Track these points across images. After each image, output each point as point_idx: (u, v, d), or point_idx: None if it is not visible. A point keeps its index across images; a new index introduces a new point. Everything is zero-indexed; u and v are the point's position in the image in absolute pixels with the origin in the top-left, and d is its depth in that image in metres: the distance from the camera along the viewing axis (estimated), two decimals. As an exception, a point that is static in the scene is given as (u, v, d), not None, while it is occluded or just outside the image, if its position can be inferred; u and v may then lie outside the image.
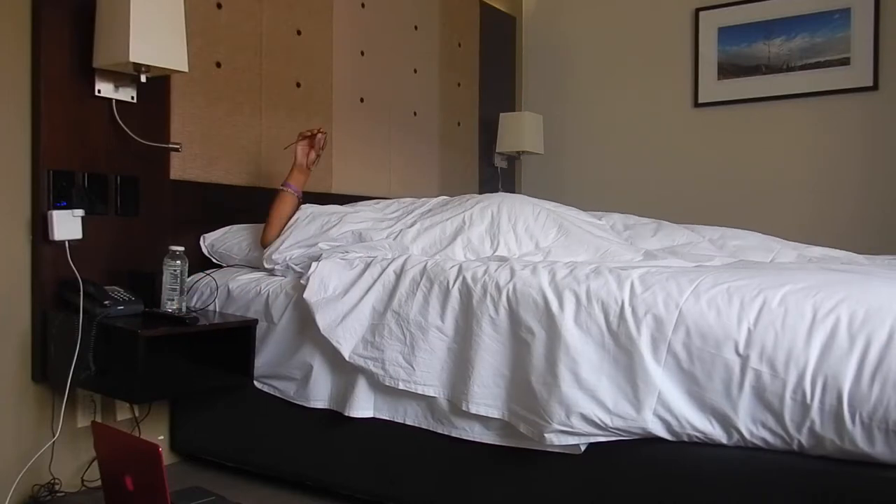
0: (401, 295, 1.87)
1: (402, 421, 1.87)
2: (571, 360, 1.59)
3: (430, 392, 1.81)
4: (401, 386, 1.83)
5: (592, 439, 1.59)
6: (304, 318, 2.04)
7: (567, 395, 1.57)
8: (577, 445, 1.61)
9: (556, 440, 1.60)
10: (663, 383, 1.51)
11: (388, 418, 1.90)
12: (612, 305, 1.59)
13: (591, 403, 1.56)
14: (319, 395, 2.00)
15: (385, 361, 1.85)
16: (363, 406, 1.91)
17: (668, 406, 1.51)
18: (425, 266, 1.89)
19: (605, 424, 1.55)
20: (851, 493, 1.37)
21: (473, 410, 1.72)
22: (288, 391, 2.07)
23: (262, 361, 2.11)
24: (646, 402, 1.51)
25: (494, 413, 1.71)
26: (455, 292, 1.80)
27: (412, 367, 1.82)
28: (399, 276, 1.91)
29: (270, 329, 2.10)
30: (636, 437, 1.56)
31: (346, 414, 1.92)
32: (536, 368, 1.64)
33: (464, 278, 1.81)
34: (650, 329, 1.53)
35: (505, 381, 1.71)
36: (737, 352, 1.45)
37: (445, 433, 1.80)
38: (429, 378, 1.81)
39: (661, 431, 1.53)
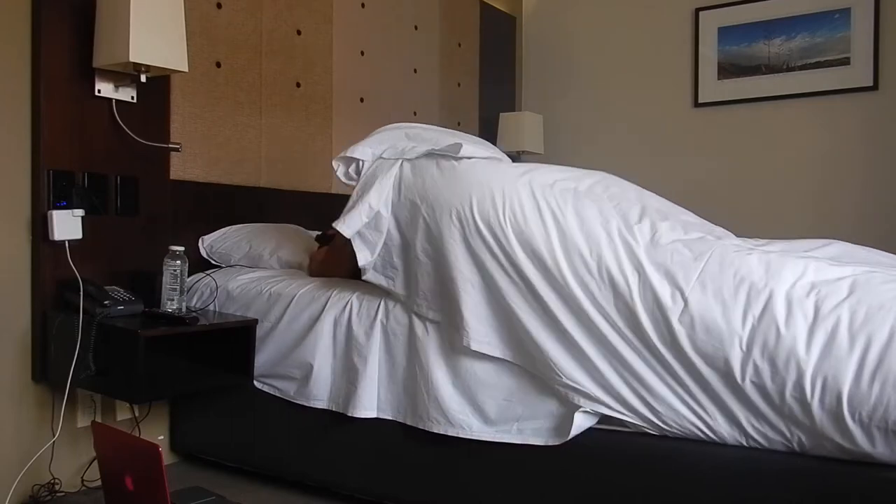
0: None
1: (402, 421, 1.87)
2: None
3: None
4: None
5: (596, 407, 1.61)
6: (304, 318, 2.04)
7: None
8: (569, 427, 1.62)
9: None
10: (663, 378, 1.51)
11: (389, 418, 1.90)
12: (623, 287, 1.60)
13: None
14: (320, 394, 2.00)
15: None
16: (366, 406, 1.91)
17: (668, 402, 1.51)
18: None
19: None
20: (851, 493, 1.37)
21: (474, 347, 1.74)
22: (288, 391, 2.07)
23: (262, 361, 2.11)
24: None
25: (496, 352, 1.74)
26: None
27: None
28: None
29: (271, 328, 2.10)
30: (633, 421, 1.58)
31: (349, 414, 1.91)
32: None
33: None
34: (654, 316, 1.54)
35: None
36: (740, 347, 1.45)
37: (442, 433, 1.80)
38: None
39: (659, 426, 1.54)
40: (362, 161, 1.97)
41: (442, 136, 1.97)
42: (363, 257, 1.89)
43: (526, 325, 1.68)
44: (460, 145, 1.88)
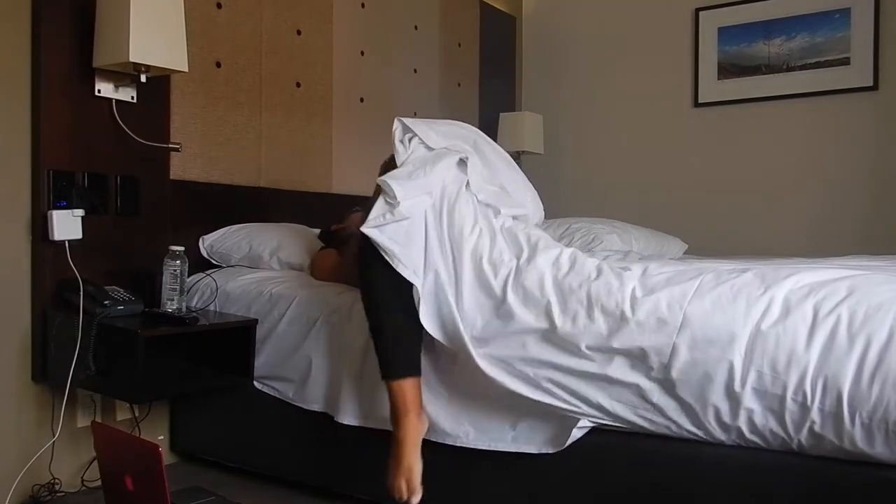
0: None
1: (390, 429, 1.80)
2: None
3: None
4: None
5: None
6: (303, 321, 2.04)
7: None
8: (565, 438, 1.61)
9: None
10: (666, 382, 1.51)
11: (374, 427, 1.86)
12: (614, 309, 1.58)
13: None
14: (316, 397, 2.00)
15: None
16: (349, 412, 1.90)
17: (668, 405, 1.51)
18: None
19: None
20: (851, 493, 1.37)
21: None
22: (287, 392, 2.07)
23: (261, 362, 2.11)
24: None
25: None
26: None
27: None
28: None
29: (270, 330, 2.10)
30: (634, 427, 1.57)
31: (336, 419, 1.91)
32: None
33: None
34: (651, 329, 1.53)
35: None
36: (741, 354, 1.44)
37: (436, 441, 1.77)
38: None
39: (660, 429, 1.53)
40: (419, 139, 1.86)
41: (502, 169, 1.96)
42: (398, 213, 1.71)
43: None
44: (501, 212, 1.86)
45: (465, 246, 1.71)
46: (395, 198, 1.68)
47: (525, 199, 2.05)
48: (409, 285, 1.69)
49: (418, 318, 1.70)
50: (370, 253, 1.70)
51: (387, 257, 1.68)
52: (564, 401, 1.60)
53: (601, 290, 1.60)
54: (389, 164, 1.91)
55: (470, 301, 1.69)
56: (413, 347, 1.73)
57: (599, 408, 1.57)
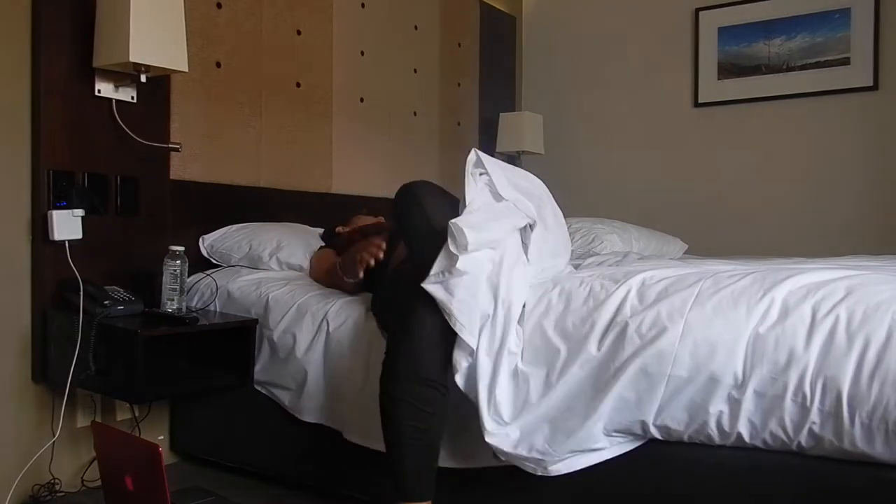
0: None
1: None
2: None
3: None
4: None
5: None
6: (299, 329, 2.02)
7: None
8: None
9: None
10: (668, 392, 1.50)
11: (375, 448, 1.81)
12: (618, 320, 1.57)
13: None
14: (312, 409, 1.98)
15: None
16: (351, 430, 1.89)
17: (670, 415, 1.50)
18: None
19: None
20: (851, 493, 1.37)
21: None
22: (283, 399, 2.06)
23: (259, 366, 2.10)
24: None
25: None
26: None
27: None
28: None
29: (267, 334, 2.09)
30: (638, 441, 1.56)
31: (345, 437, 1.90)
32: None
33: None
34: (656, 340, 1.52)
35: None
36: (742, 358, 1.44)
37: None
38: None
39: (660, 435, 1.53)
40: (488, 181, 1.76)
41: (556, 238, 1.85)
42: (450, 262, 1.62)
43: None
44: None
45: (512, 324, 1.63)
46: (465, 245, 1.57)
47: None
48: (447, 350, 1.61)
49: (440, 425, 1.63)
50: (417, 305, 1.63)
51: (447, 317, 1.58)
52: (571, 450, 1.59)
53: (603, 316, 1.59)
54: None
55: (502, 385, 1.62)
56: (433, 465, 1.64)
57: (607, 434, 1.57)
